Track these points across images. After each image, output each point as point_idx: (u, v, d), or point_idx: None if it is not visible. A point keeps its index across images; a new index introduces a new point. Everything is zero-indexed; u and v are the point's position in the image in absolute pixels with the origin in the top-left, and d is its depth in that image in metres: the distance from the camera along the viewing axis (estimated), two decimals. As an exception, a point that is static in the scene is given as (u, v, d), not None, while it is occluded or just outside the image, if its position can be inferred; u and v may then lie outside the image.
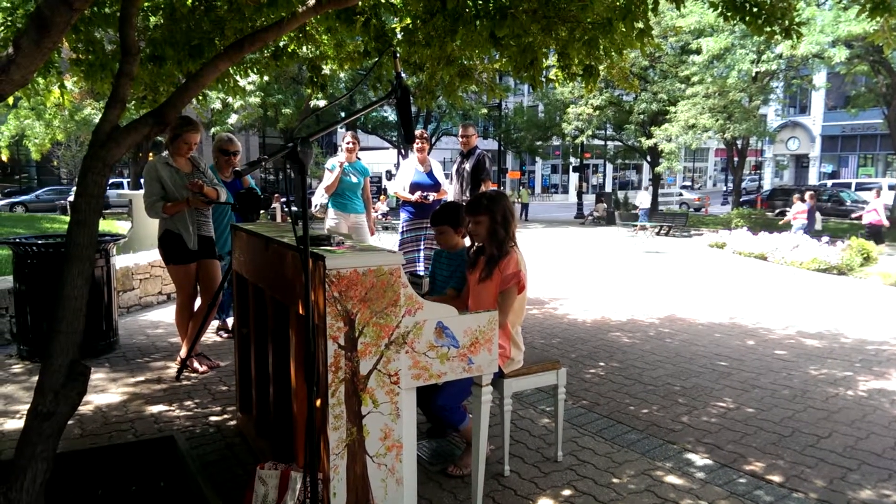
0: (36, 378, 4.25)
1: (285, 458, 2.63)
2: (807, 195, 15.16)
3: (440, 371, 2.40)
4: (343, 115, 29.79)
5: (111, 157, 2.52)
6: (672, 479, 3.00)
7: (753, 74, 20.33)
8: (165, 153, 4.47)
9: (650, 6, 3.36)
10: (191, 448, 3.14)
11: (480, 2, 3.85)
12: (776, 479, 3.01)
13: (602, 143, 31.82)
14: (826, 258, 9.73)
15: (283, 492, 2.34)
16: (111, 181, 25.67)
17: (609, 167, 42.30)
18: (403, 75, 2.64)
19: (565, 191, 46.51)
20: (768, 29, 3.17)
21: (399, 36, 4.63)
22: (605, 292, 8.08)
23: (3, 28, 3.98)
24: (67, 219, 17.32)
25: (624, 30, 3.61)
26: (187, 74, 4.72)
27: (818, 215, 17.07)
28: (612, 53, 3.86)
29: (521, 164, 46.77)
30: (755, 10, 3.14)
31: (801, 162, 38.74)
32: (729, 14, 3.21)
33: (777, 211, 24.46)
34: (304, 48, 4.48)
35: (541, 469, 3.10)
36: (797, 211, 14.60)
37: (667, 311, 6.77)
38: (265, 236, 2.82)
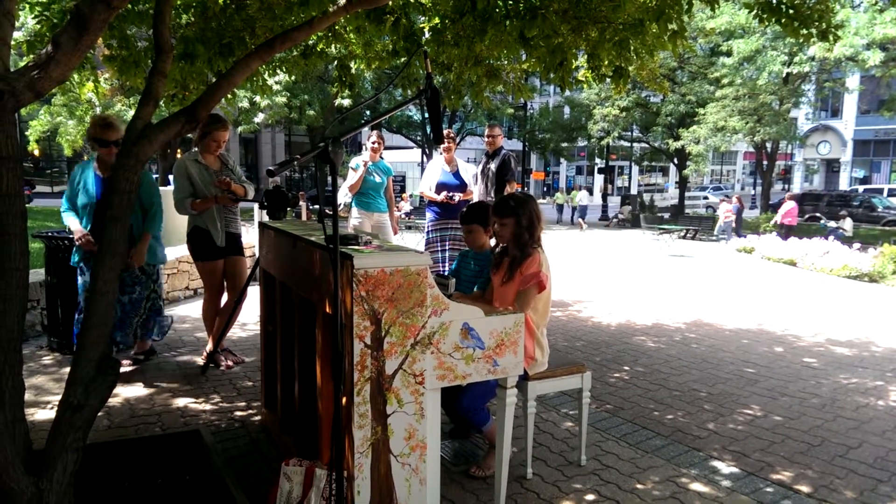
0: (65, 370, 4.36)
1: (310, 455, 2.65)
2: (734, 197, 17.71)
3: (465, 372, 2.40)
4: (368, 114, 29.97)
5: (143, 154, 2.55)
6: (697, 486, 2.96)
7: (784, 76, 20.00)
8: (195, 150, 4.53)
9: (684, 7, 3.31)
10: (216, 442, 3.18)
11: (511, 2, 3.84)
12: (804, 489, 2.95)
13: (628, 144, 31.57)
14: (857, 265, 9.54)
15: (308, 488, 2.36)
16: (140, 177, 26.08)
17: (635, 169, 41.93)
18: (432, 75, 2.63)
19: (590, 192, 46.26)
20: (805, 31, 3.11)
21: (427, 35, 4.64)
22: (630, 295, 8.01)
23: (39, 22, 4.05)
24: (97, 213, 17.65)
25: (656, 31, 3.57)
26: (217, 72, 4.78)
27: (849, 221, 16.86)
28: (643, 55, 3.81)
29: (546, 165, 46.54)
30: (791, 12, 3.09)
31: (831, 166, 38.02)
32: (765, 16, 3.16)
33: (807, 216, 24.05)
34: (333, 47, 4.50)
35: (564, 472, 3.08)
36: (725, 211, 16.56)
37: (693, 315, 6.69)
38: (293, 235, 2.84)
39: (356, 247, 2.37)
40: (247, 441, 3.37)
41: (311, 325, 2.74)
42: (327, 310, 2.41)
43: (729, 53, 18.98)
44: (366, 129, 5.89)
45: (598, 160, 37.28)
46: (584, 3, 3.81)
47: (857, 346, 5.54)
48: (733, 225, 16.23)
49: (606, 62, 3.97)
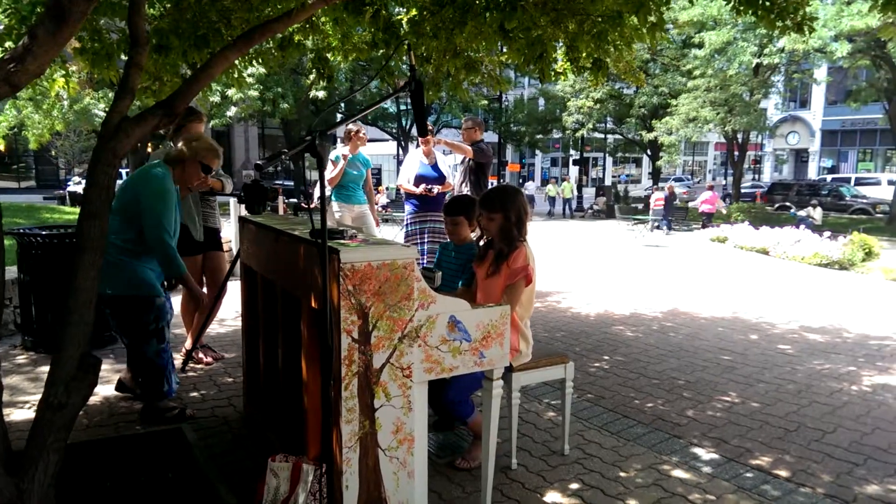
0: (40, 369, 4.28)
1: (295, 451, 2.63)
2: (666, 186, 19.15)
3: (452, 365, 2.40)
4: (343, 106, 29.71)
5: (121, 149, 2.51)
6: (679, 473, 3.01)
7: (754, 67, 20.29)
8: (170, 144, 4.45)
9: (662, 1, 3.34)
10: (198, 439, 3.15)
11: (491, -6, 3.83)
12: (783, 473, 3.02)
13: (602, 136, 31.79)
14: (828, 253, 9.75)
15: (295, 484, 2.35)
16: (110, 171, 25.43)
17: (609, 160, 42.27)
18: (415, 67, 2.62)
19: (548, 184, 46.57)
20: (780, 23, 3.16)
21: (405, 27, 4.61)
22: (607, 286, 8.09)
23: (7, 15, 3.95)
24: (67, 209, 17.25)
25: (635, 23, 3.59)
26: (192, 65, 4.70)
27: (819, 210, 17.27)
28: (622, 47, 3.84)
29: (521, 157, 46.70)
30: (768, 3, 3.13)
31: (800, 156, 38.76)
32: (741, 8, 3.20)
33: (777, 205, 24.49)
34: (311, 39, 4.45)
35: (548, 462, 3.11)
36: (656, 199, 17.84)
37: (670, 304, 6.78)
38: (276, 229, 2.82)
39: (342, 241, 2.35)
40: (229, 438, 3.34)
41: (295, 319, 2.72)
42: (313, 304, 2.40)
43: (700, 45, 19.19)
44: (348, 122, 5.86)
45: (572, 152, 37.47)
46: (563, -5, 3.83)
47: (830, 332, 5.68)
48: (663, 212, 17.73)
49: (585, 54, 3.99)
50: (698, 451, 3.25)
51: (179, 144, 3.55)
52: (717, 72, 20.06)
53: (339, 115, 33.69)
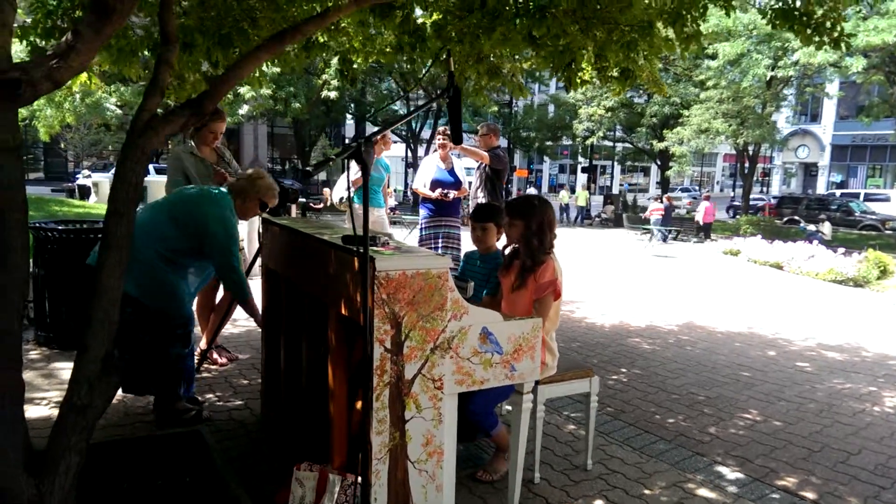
0: (54, 365, 4.25)
1: (318, 458, 2.59)
2: (664, 198, 20.10)
3: (483, 377, 2.36)
4: (353, 106, 29.78)
5: (149, 147, 2.48)
6: (704, 492, 2.96)
7: (767, 80, 20.24)
8: (191, 143, 4.42)
9: (699, 12, 3.30)
10: (216, 442, 3.11)
11: (520, 1, 3.80)
12: (810, 495, 2.97)
13: (611, 144, 31.74)
14: (843, 270, 9.68)
15: (321, 494, 2.31)
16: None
17: (617, 168, 42.21)
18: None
19: (572, 191, 46.44)
20: (817, 39, 3.12)
21: (429, 31, 4.58)
22: (620, 296, 8.03)
23: (34, 10, 3.92)
24: (76, 202, 17.26)
25: (665, 34, 3.55)
26: (214, 63, 4.67)
27: (828, 225, 17.22)
28: (651, 57, 3.80)
29: (529, 163, 46.66)
30: (805, 19, 3.09)
31: (809, 170, 38.63)
32: (778, 22, 3.16)
33: (785, 219, 24.39)
34: (336, 41, 4.43)
35: (570, 477, 3.06)
36: (655, 208, 18.56)
37: (685, 317, 6.73)
38: (303, 233, 2.78)
39: (375, 248, 2.31)
40: (246, 441, 3.31)
41: (321, 325, 2.68)
42: (343, 311, 2.36)
43: (714, 56, 19.14)
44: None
45: (581, 159, 37.42)
46: (592, 4, 3.78)
47: (848, 350, 5.61)
48: (660, 222, 18.40)
49: (613, 63, 3.95)
50: (723, 469, 3.20)
51: (245, 178, 3.48)
52: (730, 83, 20.01)
53: (348, 116, 33.80)
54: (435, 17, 4.53)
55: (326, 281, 2.50)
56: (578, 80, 3.95)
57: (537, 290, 2.85)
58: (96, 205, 16.78)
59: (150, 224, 3.20)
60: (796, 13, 3.10)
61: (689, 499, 2.89)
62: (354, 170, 6.18)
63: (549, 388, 2.93)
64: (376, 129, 5.95)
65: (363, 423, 1.89)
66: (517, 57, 5.16)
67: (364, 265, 1.80)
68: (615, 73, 4.02)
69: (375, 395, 2.15)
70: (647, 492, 2.95)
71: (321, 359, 2.78)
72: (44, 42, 3.92)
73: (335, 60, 5.10)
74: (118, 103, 17.87)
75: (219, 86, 2.83)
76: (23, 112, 16.09)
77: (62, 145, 27.52)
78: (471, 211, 6.34)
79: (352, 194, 5.93)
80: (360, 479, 1.93)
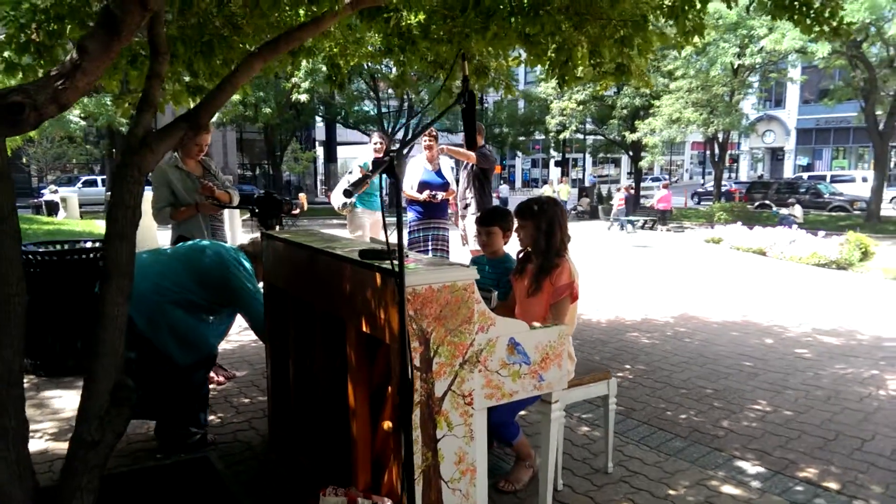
0: (44, 394, 4.08)
1: (336, 479, 2.50)
2: (623, 188, 21.55)
3: (512, 390, 2.29)
4: (323, 109, 29.44)
5: (146, 165, 2.36)
6: (729, 488, 2.94)
7: (734, 68, 20.51)
8: (175, 155, 4.28)
9: (702, 4, 3.27)
10: (225, 467, 2.99)
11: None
12: (833, 486, 2.96)
13: (582, 137, 31.90)
14: (826, 253, 9.81)
15: (351, 520, 2.22)
16: (84, 179, 24.67)
17: (589, 161, 42.49)
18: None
19: (546, 184, 46.64)
20: (817, 29, 3.11)
21: (416, 32, 4.50)
22: (610, 289, 8.02)
23: (6, 23, 3.74)
24: (44, 219, 16.76)
25: (666, 28, 3.52)
26: (195, 73, 4.53)
27: (799, 208, 17.53)
28: (646, 52, 3.77)
29: (502, 159, 46.78)
30: (804, 9, 3.08)
31: (776, 155, 39.34)
32: (776, 12, 3.14)
33: (756, 204, 24.77)
34: (325, 45, 4.32)
35: (593, 482, 3.01)
36: (618, 199, 19.91)
37: (678, 309, 6.74)
38: (313, 248, 2.68)
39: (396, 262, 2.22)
40: (256, 464, 3.20)
41: (337, 342, 2.59)
42: (364, 328, 2.27)
43: (682, 46, 19.29)
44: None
45: (553, 153, 37.57)
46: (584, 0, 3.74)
47: (844, 335, 5.67)
48: (625, 212, 19.43)
49: (608, 59, 3.91)
50: (743, 464, 3.18)
51: (259, 242, 3.42)
52: (698, 73, 20.23)
53: (318, 119, 33.43)
54: (420, 17, 4.44)
55: (342, 296, 2.41)
56: (575, 77, 3.89)
57: (554, 294, 2.79)
58: (66, 220, 16.35)
59: (165, 270, 3.15)
60: (795, 3, 3.08)
61: (715, 497, 2.86)
62: (357, 175, 6.09)
63: (569, 392, 2.87)
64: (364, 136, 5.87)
65: (406, 447, 1.81)
66: (500, 55, 5.10)
67: (401, 287, 1.72)
68: (610, 69, 3.98)
69: (400, 415, 2.06)
70: (671, 492, 2.91)
71: (337, 376, 2.69)
72: (19, 58, 3.75)
73: (304, 64, 5.00)
74: (81, 115, 17.40)
75: (214, 97, 2.72)
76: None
77: (24, 160, 26.73)
78: (458, 210, 6.31)
79: (352, 198, 5.91)
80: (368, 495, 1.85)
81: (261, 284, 3.35)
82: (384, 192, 5.93)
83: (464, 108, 2.23)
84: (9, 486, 2.04)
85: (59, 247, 4.89)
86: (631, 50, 3.87)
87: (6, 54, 3.72)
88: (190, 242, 3.47)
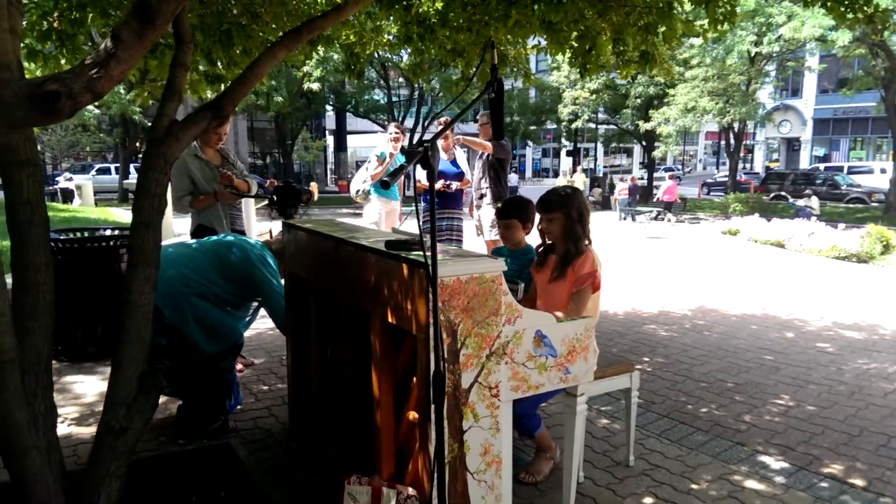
0: (65, 379, 4.11)
1: (360, 470, 2.50)
2: (628, 178, 21.97)
3: (538, 382, 2.28)
4: (333, 97, 29.39)
5: (171, 155, 2.36)
6: (752, 483, 2.91)
7: (751, 56, 20.24)
8: (194, 145, 4.28)
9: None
10: (247, 454, 3.01)
11: (537, -14, 3.69)
12: (858, 482, 2.93)
13: (594, 126, 31.66)
14: (845, 246, 9.69)
15: (377, 510, 2.22)
16: (97, 167, 24.78)
17: (601, 150, 42.21)
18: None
19: (556, 175, 46.31)
20: (851, 16, 3.05)
21: (434, 20, 4.46)
22: (626, 281, 7.97)
23: (28, 10, 3.73)
24: (60, 206, 16.88)
25: (685, 15, 3.47)
26: (213, 62, 4.52)
27: (815, 199, 17.33)
28: (672, 39, 3.71)
29: (513, 149, 46.62)
30: (838, -4, 3.02)
31: (792, 145, 38.88)
32: (810, 0, 3.08)
33: (772, 195, 24.51)
34: (344, 34, 4.29)
35: (614, 475, 3.00)
36: (620, 189, 20.13)
37: (696, 301, 6.69)
38: (337, 238, 2.67)
39: (422, 253, 2.20)
40: (278, 451, 3.21)
41: (361, 332, 2.58)
42: (389, 319, 2.26)
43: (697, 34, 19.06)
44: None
45: (565, 142, 37.33)
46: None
47: (865, 329, 5.60)
48: (626, 202, 19.46)
49: (632, 46, 3.86)
50: (766, 459, 3.15)
51: (282, 240, 3.42)
52: (714, 61, 20.00)
53: (328, 108, 33.36)
54: (438, 4, 4.40)
55: (368, 287, 2.40)
56: (598, 66, 3.85)
57: (576, 282, 2.77)
58: (81, 208, 16.48)
59: (192, 262, 3.18)
60: (829, -9, 3.02)
61: (738, 491, 2.84)
62: (374, 164, 6.10)
63: (591, 385, 2.85)
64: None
65: (437, 439, 1.80)
66: (519, 43, 5.05)
67: (434, 280, 1.70)
68: (634, 57, 3.93)
69: (434, 407, 2.06)
70: (694, 486, 2.89)
71: (360, 366, 2.69)
72: (40, 45, 3.75)
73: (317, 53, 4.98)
74: (96, 103, 17.50)
75: (237, 87, 2.70)
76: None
77: (39, 147, 26.91)
78: (473, 200, 6.27)
79: (367, 187, 5.91)
80: (435, 496, 1.84)
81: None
82: (409, 182, 5.95)
83: (492, 97, 2.21)
84: (40, 472, 2.05)
85: (79, 234, 4.91)
86: (655, 37, 3.82)
87: (27, 41, 3.73)
88: (215, 237, 3.48)
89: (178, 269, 3.09)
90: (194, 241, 3.46)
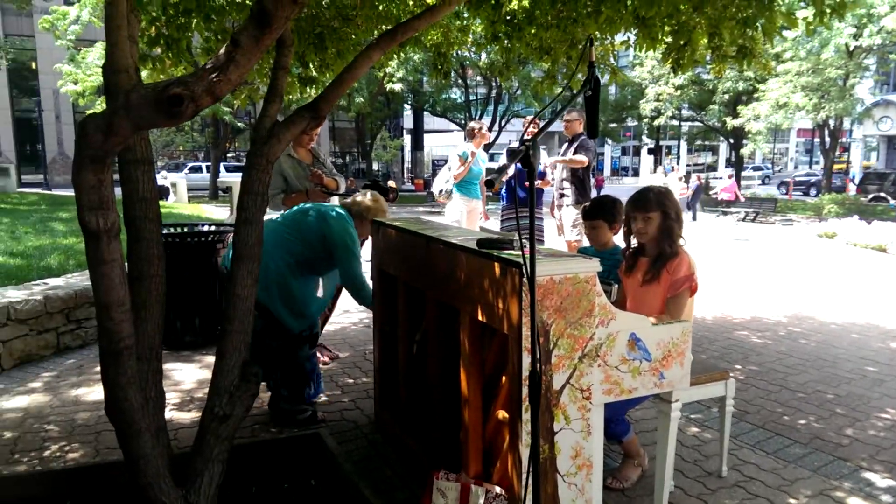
0: (165, 366, 4.32)
1: (446, 466, 2.52)
2: (695, 177, 20.85)
3: (632, 386, 2.23)
4: (412, 97, 29.72)
5: (273, 154, 2.45)
6: (856, 501, 2.75)
7: (850, 50, 19.05)
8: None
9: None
10: (336, 445, 3.09)
11: (629, -19, 3.61)
12: (978, 507, 2.72)
13: (677, 123, 30.68)
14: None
15: (465, 507, 2.24)
16: (190, 165, 25.95)
17: (684, 148, 40.85)
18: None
19: (636, 174, 45.17)
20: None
21: (521, 17, 4.44)
22: (715, 285, 7.65)
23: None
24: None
25: (789, 7, 3.30)
26: (303, 63, 4.66)
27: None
28: (772, 35, 3.55)
29: (592, 147, 45.78)
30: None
31: (892, 143, 36.31)
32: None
33: (871, 196, 22.97)
34: (432, 34, 4.34)
35: (706, 485, 2.90)
36: (681, 188, 19.31)
37: (791, 307, 6.36)
38: (424, 235, 2.70)
39: (513, 252, 2.21)
40: (365, 444, 3.28)
41: (450, 329, 2.61)
42: (480, 317, 2.27)
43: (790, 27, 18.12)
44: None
45: (646, 140, 36.37)
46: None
47: (982, 341, 5.18)
48: (687, 200, 18.72)
49: (729, 41, 3.71)
50: (871, 476, 2.97)
51: (362, 203, 3.53)
52: (808, 55, 18.95)
53: (406, 107, 33.81)
54: (525, 2, 4.38)
55: (458, 286, 2.42)
56: (693, 61, 3.73)
57: (672, 287, 2.69)
58: (176, 204, 17.38)
59: (275, 236, 3.28)
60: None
61: (841, 509, 2.69)
62: (457, 164, 6.16)
63: (688, 392, 2.77)
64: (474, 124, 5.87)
65: (532, 440, 1.79)
66: (608, 38, 4.95)
67: (532, 280, 1.69)
68: (731, 52, 3.78)
69: (524, 408, 2.06)
70: (792, 500, 2.76)
71: (447, 363, 2.71)
72: (150, 49, 3.99)
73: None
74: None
75: (334, 88, 2.78)
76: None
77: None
78: (554, 199, 6.21)
79: (450, 186, 5.99)
80: (528, 496, 1.84)
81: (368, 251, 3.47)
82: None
83: (589, 94, 2.18)
84: (151, 453, 2.18)
85: (178, 229, 5.19)
86: (754, 31, 3.67)
87: (140, 46, 3.97)
88: (296, 207, 3.60)
89: (265, 248, 3.23)
90: (279, 215, 3.60)
